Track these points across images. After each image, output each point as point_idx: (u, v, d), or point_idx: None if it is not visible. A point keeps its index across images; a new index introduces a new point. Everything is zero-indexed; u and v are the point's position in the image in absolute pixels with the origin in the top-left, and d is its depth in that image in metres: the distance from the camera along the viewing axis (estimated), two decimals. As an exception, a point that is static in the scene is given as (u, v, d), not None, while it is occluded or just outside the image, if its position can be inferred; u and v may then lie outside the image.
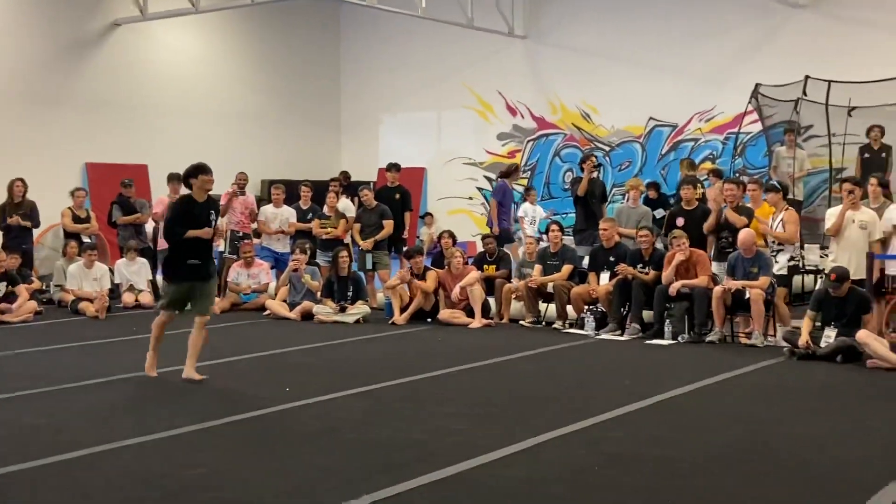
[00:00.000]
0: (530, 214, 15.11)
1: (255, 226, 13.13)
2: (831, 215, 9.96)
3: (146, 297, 12.55)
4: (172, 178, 12.91)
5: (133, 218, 13.40)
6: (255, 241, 13.22)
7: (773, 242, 10.05)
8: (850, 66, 14.17)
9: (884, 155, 13.20)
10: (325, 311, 11.40)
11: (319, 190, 13.75)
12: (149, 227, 13.83)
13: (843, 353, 8.49)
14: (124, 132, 17.51)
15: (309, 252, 12.11)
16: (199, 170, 7.77)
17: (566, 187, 17.14)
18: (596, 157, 13.11)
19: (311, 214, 13.09)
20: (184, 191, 8.29)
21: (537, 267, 11.18)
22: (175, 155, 16.59)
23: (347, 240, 12.81)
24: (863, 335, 8.36)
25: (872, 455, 5.57)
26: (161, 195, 13.67)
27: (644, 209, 12.04)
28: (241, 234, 12.92)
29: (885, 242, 9.68)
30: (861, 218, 9.70)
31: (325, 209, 12.95)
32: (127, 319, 11.57)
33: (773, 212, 10.18)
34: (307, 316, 11.48)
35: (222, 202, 13.02)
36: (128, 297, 12.50)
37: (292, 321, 11.44)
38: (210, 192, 7.87)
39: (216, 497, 4.81)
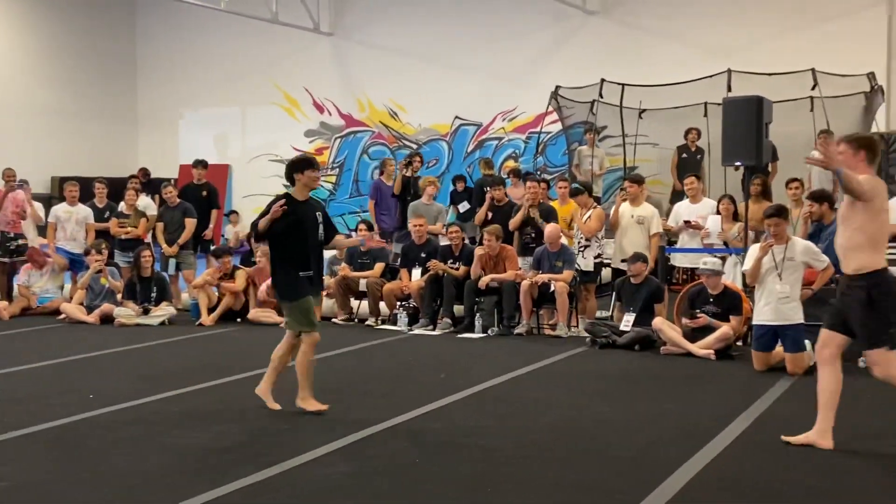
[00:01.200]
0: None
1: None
2: (614, 211, 10.57)
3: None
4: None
5: None
6: (41, 240, 12.40)
7: (582, 239, 10.49)
8: (641, 71, 15.02)
9: (699, 157, 14.15)
10: (126, 313, 10.91)
11: (116, 187, 13.13)
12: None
13: (639, 343, 9.02)
14: None
15: (106, 252, 11.58)
16: (308, 164, 6.56)
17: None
18: (421, 156, 13.23)
19: (108, 213, 12.48)
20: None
21: (344, 265, 11.17)
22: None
23: (148, 239, 12.31)
24: (658, 322, 8.93)
25: (668, 435, 5.93)
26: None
27: (439, 206, 12.26)
28: (12, 234, 12.07)
29: (671, 236, 10.41)
30: (639, 213, 10.36)
31: (124, 207, 12.39)
32: None
33: (582, 210, 10.55)
34: (107, 319, 10.96)
35: None
36: None
37: (91, 325, 10.88)
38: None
39: (22, 512, 4.52)
